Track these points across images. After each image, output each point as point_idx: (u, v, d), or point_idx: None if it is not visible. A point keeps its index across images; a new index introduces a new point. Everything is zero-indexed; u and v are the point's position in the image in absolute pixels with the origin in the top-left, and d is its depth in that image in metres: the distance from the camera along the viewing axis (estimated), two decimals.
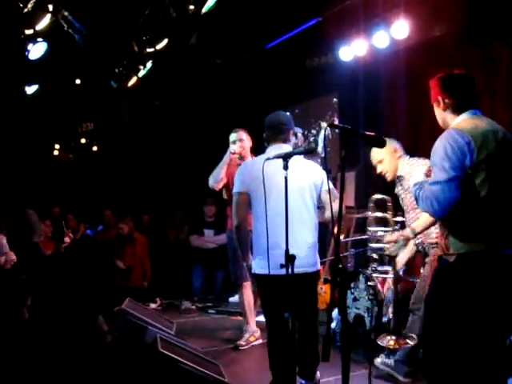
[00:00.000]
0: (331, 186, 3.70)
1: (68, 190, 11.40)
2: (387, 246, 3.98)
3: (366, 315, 4.83)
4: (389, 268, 4.65)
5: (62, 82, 8.59)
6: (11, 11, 5.91)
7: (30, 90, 7.92)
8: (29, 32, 6.03)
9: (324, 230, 5.23)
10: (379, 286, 4.96)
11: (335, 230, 2.78)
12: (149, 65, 7.38)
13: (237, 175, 3.99)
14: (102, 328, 4.12)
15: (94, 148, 12.56)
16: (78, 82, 9.00)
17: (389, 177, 4.26)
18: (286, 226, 3.18)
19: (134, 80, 7.65)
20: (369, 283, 4.81)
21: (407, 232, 3.78)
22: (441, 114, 2.98)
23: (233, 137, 5.23)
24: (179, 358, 3.56)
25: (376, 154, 4.28)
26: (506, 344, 2.94)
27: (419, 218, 3.80)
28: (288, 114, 4.14)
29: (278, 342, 3.91)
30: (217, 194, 5.79)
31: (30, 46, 6.25)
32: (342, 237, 4.66)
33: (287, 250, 3.15)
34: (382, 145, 2.70)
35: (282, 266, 3.21)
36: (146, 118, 10.08)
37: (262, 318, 5.69)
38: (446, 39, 5.83)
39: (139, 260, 7.83)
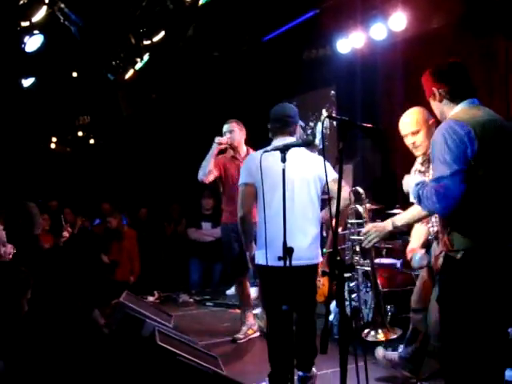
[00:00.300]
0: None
1: (65, 184, 11.39)
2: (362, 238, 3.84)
3: (363, 308, 4.85)
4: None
5: (58, 74, 8.55)
6: (7, 3, 5.88)
7: (27, 82, 7.87)
8: (25, 24, 6.00)
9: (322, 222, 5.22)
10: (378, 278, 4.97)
11: (333, 222, 2.76)
12: (146, 57, 7.36)
13: (243, 166, 3.98)
14: (98, 321, 4.12)
15: (91, 141, 12.54)
16: (74, 74, 8.96)
17: (420, 151, 3.77)
18: (283, 218, 3.18)
19: (130, 72, 7.62)
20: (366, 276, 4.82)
21: (385, 223, 3.50)
22: (438, 107, 2.88)
23: (224, 128, 5.26)
24: (177, 351, 3.56)
25: (411, 122, 3.74)
26: (508, 335, 2.92)
27: (405, 211, 3.56)
28: (293, 106, 4.11)
29: (277, 333, 3.91)
30: (214, 187, 5.78)
31: (26, 39, 6.22)
32: (339, 229, 4.65)
33: (285, 242, 3.15)
34: (378, 136, 2.68)
35: (279, 259, 3.21)
36: (142, 110, 10.06)
37: (259, 311, 5.72)
38: (443, 31, 5.82)
39: (126, 255, 7.71)
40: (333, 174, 3.75)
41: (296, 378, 3.92)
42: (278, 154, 3.28)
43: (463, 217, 2.60)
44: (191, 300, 7.33)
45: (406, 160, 4.26)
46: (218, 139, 5.14)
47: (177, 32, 6.93)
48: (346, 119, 2.69)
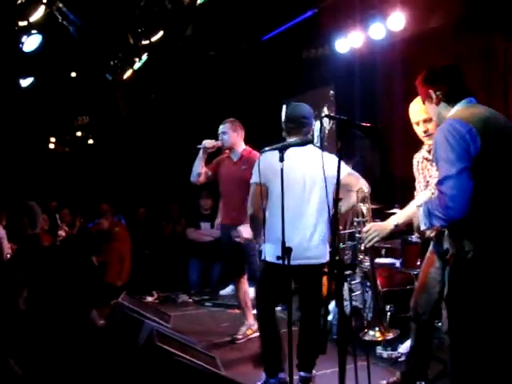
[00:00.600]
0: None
1: (64, 184, 11.38)
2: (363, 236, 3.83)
3: (362, 307, 4.84)
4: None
5: (56, 74, 8.54)
6: (5, 2, 5.87)
7: (25, 82, 7.85)
8: (23, 24, 5.99)
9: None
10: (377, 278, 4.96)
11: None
12: (144, 57, 7.35)
13: (255, 166, 3.98)
14: (96, 322, 4.12)
15: (90, 141, 12.54)
16: (73, 74, 8.95)
17: (432, 139, 3.50)
18: (282, 217, 3.20)
19: (129, 72, 7.61)
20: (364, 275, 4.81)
21: (386, 223, 3.51)
22: (435, 110, 2.84)
23: (219, 129, 5.23)
24: (176, 352, 3.55)
25: (423, 109, 3.48)
26: None
27: (404, 208, 3.56)
28: (309, 107, 4.12)
29: (269, 331, 4.04)
30: (213, 187, 5.77)
31: (24, 38, 6.20)
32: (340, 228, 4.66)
33: (283, 242, 3.16)
34: (377, 135, 2.66)
35: (278, 258, 3.22)
36: (141, 110, 10.05)
37: None
38: (442, 31, 5.82)
39: (117, 257, 7.62)
40: (346, 169, 3.86)
41: (297, 378, 3.93)
42: (287, 154, 3.30)
43: (472, 216, 2.51)
44: (190, 300, 7.32)
45: (405, 160, 4.25)
46: (204, 143, 5.12)
47: (175, 32, 6.92)
48: (344, 118, 2.68)
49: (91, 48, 7.07)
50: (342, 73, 7.27)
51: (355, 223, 3.95)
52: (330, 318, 4.95)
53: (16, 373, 3.38)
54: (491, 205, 2.56)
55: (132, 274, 7.68)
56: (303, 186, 3.87)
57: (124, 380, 3.51)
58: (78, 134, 12.48)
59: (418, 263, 4.44)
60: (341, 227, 4.74)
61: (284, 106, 4.14)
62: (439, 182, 2.56)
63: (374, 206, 5.15)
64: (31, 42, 6.28)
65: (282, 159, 3.19)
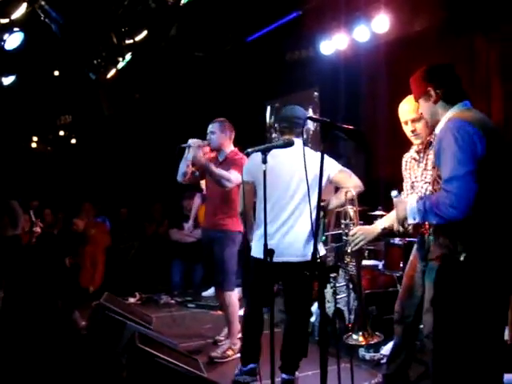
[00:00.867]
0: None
1: (46, 183, 11.28)
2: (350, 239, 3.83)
3: (345, 309, 4.84)
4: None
5: (39, 73, 8.47)
6: None
7: (7, 80, 7.77)
8: (4, 21, 5.92)
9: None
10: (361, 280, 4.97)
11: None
12: (128, 57, 7.31)
13: (245, 165, 4.21)
14: (78, 322, 4.08)
15: (73, 140, 12.45)
16: (56, 73, 8.88)
17: (419, 139, 3.63)
18: (264, 217, 3.21)
19: (112, 72, 7.57)
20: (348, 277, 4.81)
21: (373, 226, 3.52)
22: (430, 108, 2.84)
23: (208, 128, 5.07)
24: (157, 354, 3.53)
25: (412, 109, 3.55)
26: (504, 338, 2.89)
27: (391, 212, 3.50)
28: (303, 109, 4.19)
29: (252, 328, 4.09)
30: (196, 188, 5.72)
31: (5, 36, 6.13)
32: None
33: (265, 244, 3.15)
34: (360, 138, 2.65)
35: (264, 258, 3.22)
36: (124, 110, 9.99)
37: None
38: (426, 33, 5.85)
39: (89, 260, 7.53)
40: (337, 166, 3.96)
41: (279, 380, 3.92)
42: (275, 153, 3.43)
43: (469, 217, 2.51)
44: (172, 301, 7.28)
45: (389, 161, 4.27)
46: (189, 142, 4.89)
47: (159, 31, 6.88)
48: (327, 120, 2.68)
49: (74, 46, 7.01)
50: (327, 75, 7.29)
51: (342, 225, 3.96)
52: (312, 319, 4.94)
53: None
54: (489, 208, 2.56)
55: (114, 275, 7.63)
56: (288, 184, 3.91)
57: (105, 381, 3.49)
58: (61, 133, 12.40)
59: (401, 265, 4.44)
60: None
61: (268, 108, 4.17)
62: (446, 181, 2.55)
63: (358, 208, 5.18)
64: (13, 40, 6.22)
65: (264, 161, 3.20)
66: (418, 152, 3.71)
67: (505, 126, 5.26)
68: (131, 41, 6.90)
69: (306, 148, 3.93)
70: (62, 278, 5.70)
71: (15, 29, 6.13)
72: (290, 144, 3.48)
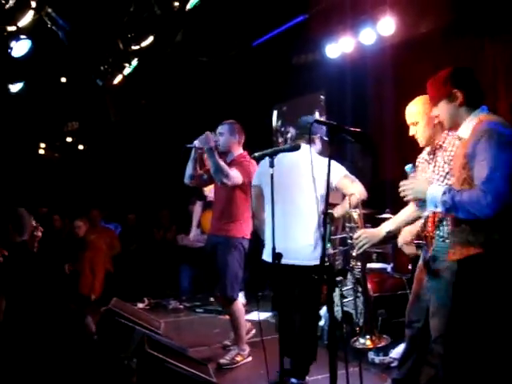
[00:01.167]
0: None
1: (54, 190, 11.33)
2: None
3: (354, 313, 4.83)
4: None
5: (46, 79, 8.51)
6: None
7: (15, 87, 7.82)
8: (11, 29, 5.96)
9: None
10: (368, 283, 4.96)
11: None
12: (134, 62, 7.34)
13: (257, 169, 4.35)
14: (90, 328, 4.08)
15: (80, 147, 12.50)
16: (63, 80, 8.92)
17: (420, 142, 3.64)
18: (272, 221, 3.27)
19: (119, 78, 7.59)
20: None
21: (377, 230, 3.50)
22: (453, 110, 2.89)
23: (217, 129, 4.94)
24: (167, 358, 3.53)
25: (411, 113, 3.60)
26: None
27: (397, 215, 3.55)
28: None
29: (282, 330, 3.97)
30: (199, 196, 5.69)
31: (13, 44, 6.17)
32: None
33: (274, 248, 3.16)
34: (367, 141, 2.66)
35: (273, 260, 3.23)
36: (131, 116, 10.02)
37: (252, 317, 5.68)
38: (432, 36, 5.83)
39: (88, 266, 7.46)
40: (341, 172, 4.03)
41: None
42: (282, 157, 3.50)
43: (500, 216, 2.62)
44: (181, 306, 7.29)
45: (396, 164, 4.25)
46: (195, 143, 4.75)
47: (165, 37, 6.90)
48: (333, 124, 2.69)
49: (81, 53, 7.05)
50: (333, 78, 7.28)
51: (347, 228, 3.96)
52: (321, 323, 4.93)
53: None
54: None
55: (122, 281, 7.63)
56: (293, 188, 3.95)
57: None
58: (68, 139, 12.45)
59: (410, 268, 4.43)
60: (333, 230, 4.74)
61: (275, 112, 4.24)
62: (484, 182, 2.62)
63: (365, 211, 5.18)
64: (20, 47, 6.25)
65: (271, 165, 3.22)
66: (429, 154, 3.72)
67: None
68: (137, 47, 6.92)
69: (314, 153, 3.95)
70: (62, 285, 5.69)
71: (22, 36, 6.17)
72: (296, 148, 3.49)
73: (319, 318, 4.77)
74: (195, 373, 3.60)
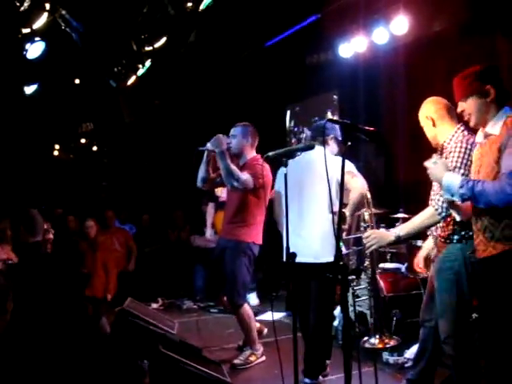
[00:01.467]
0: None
1: (68, 191, 11.40)
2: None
3: (368, 313, 4.81)
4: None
5: (61, 81, 8.57)
6: (7, 10, 5.88)
7: (29, 89, 7.87)
8: (26, 31, 6.01)
9: None
10: (382, 283, 4.94)
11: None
12: (147, 63, 7.37)
13: (278, 173, 4.30)
14: (105, 329, 4.11)
15: (94, 148, 12.57)
16: (77, 81, 8.98)
17: (432, 142, 3.63)
18: (286, 222, 3.25)
19: (132, 79, 7.63)
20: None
21: (388, 233, 3.44)
22: (484, 106, 2.91)
23: (230, 131, 4.89)
24: (181, 358, 3.55)
25: (420, 116, 3.61)
26: None
27: (409, 220, 3.47)
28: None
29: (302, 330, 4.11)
30: (211, 197, 5.68)
31: (27, 46, 6.22)
32: (344, 234, 4.64)
33: (288, 247, 3.16)
34: (380, 140, 2.66)
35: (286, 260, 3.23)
36: (145, 117, 10.06)
37: (265, 317, 5.67)
38: (445, 34, 5.80)
39: (101, 267, 7.39)
40: (347, 167, 3.85)
41: None
42: (299, 159, 3.69)
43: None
44: (195, 306, 7.31)
45: (409, 164, 4.25)
46: (207, 145, 4.68)
47: (178, 38, 6.92)
48: (347, 122, 2.69)
49: (94, 55, 7.09)
50: (346, 78, 7.26)
51: (362, 228, 3.97)
52: (335, 323, 4.93)
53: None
54: None
55: (137, 281, 7.66)
56: (308, 188, 4.00)
57: None
58: (83, 140, 12.52)
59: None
60: (345, 233, 4.71)
61: (288, 112, 4.26)
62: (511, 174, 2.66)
63: (378, 211, 5.16)
64: (35, 49, 6.30)
65: (285, 164, 3.23)
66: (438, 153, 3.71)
67: None
68: (151, 48, 6.95)
69: (328, 153, 3.96)
70: (76, 285, 5.71)
71: (37, 38, 6.22)
72: (310, 147, 3.50)
73: (333, 317, 4.76)
74: (209, 373, 3.61)
